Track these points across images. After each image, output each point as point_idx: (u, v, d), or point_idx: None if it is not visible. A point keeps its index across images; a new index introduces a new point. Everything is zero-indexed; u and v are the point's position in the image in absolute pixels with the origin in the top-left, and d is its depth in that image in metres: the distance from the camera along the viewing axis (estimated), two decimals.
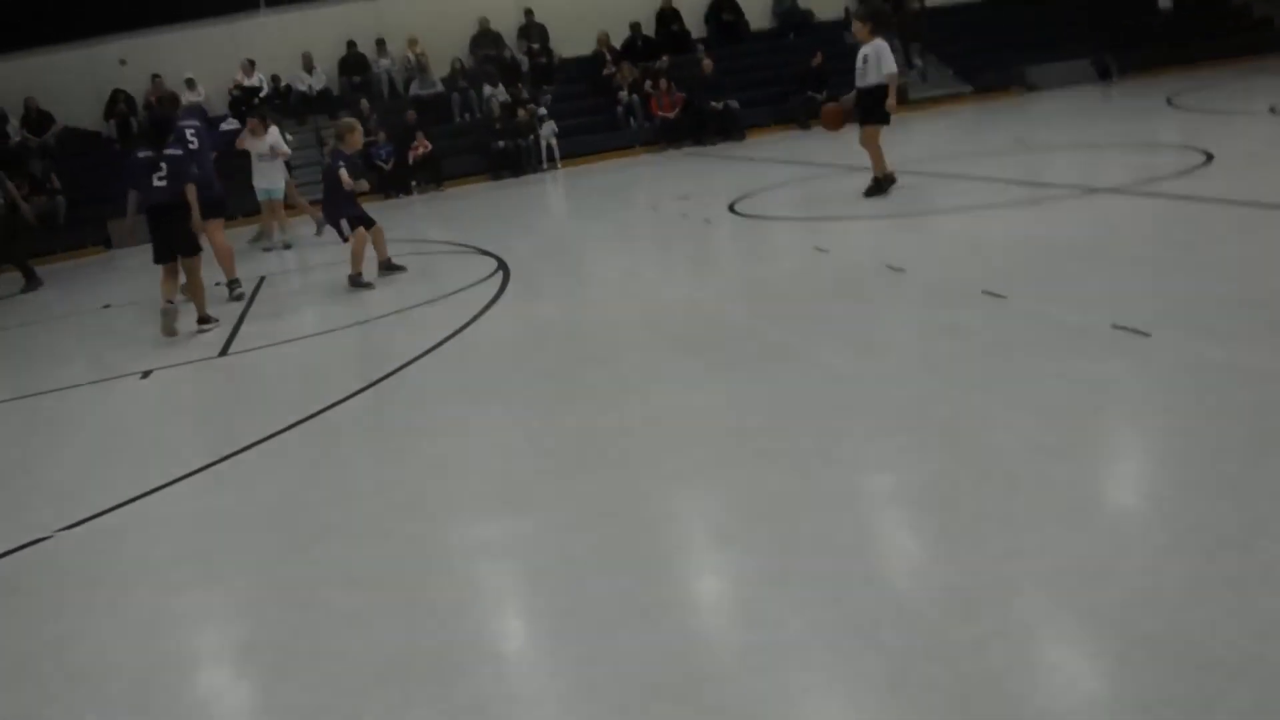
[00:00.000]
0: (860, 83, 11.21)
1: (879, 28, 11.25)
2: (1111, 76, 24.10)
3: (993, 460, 4.17)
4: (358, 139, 11.00)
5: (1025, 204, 10.06)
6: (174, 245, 9.74)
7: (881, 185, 11.22)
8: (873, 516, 4.03)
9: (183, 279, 9.91)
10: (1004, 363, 5.37)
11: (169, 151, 9.76)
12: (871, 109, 11.15)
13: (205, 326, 9.75)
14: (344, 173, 10.56)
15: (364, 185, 10.92)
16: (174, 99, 13.47)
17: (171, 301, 9.55)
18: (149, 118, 16.29)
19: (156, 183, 9.61)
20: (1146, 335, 5.31)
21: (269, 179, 15.56)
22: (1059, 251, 7.80)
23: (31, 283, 15.69)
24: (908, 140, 18.17)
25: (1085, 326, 5.71)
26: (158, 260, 9.81)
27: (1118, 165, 11.89)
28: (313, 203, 15.85)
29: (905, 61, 24.95)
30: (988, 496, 3.85)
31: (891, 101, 11.01)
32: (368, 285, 10.62)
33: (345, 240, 10.79)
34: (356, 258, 10.60)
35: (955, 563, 3.44)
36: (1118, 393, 4.77)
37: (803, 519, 3.91)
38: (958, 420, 4.66)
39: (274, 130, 15.74)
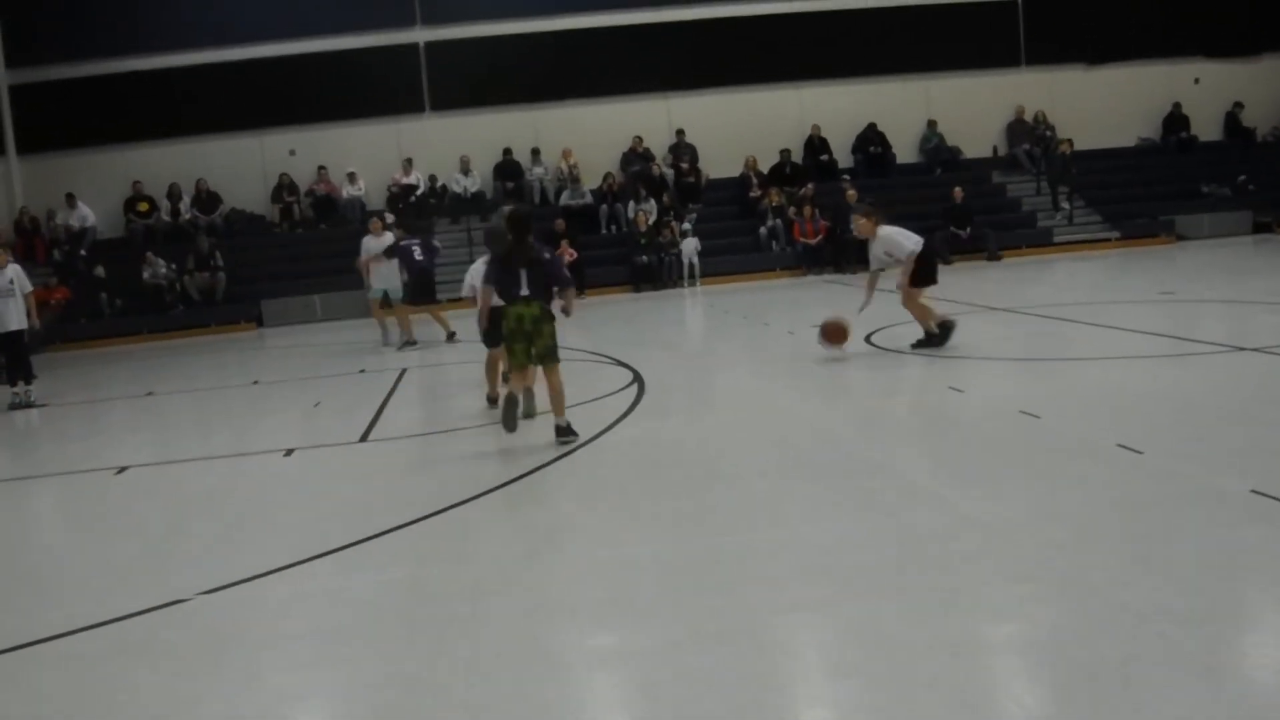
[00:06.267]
0: (904, 274, 10.91)
1: (881, 219, 11.00)
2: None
3: (1115, 618, 4.13)
4: None
5: (1168, 357, 9.93)
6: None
7: (944, 332, 10.90)
8: (991, 663, 4.02)
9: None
10: (1134, 520, 5.31)
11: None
12: (916, 274, 10.84)
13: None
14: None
15: None
16: None
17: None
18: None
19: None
20: None
21: (384, 279, 16.07)
22: (1200, 410, 7.69)
23: None
24: (1051, 283, 18.07)
25: (1223, 489, 5.62)
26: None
27: (1267, 324, 11.65)
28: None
29: (1053, 204, 24.92)
30: (1109, 654, 3.81)
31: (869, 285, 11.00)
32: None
33: None
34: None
35: (1072, 718, 3.43)
36: (1251, 560, 4.68)
37: (920, 660, 3.92)
38: (1082, 574, 4.63)
39: (389, 235, 16.33)
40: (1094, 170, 25.46)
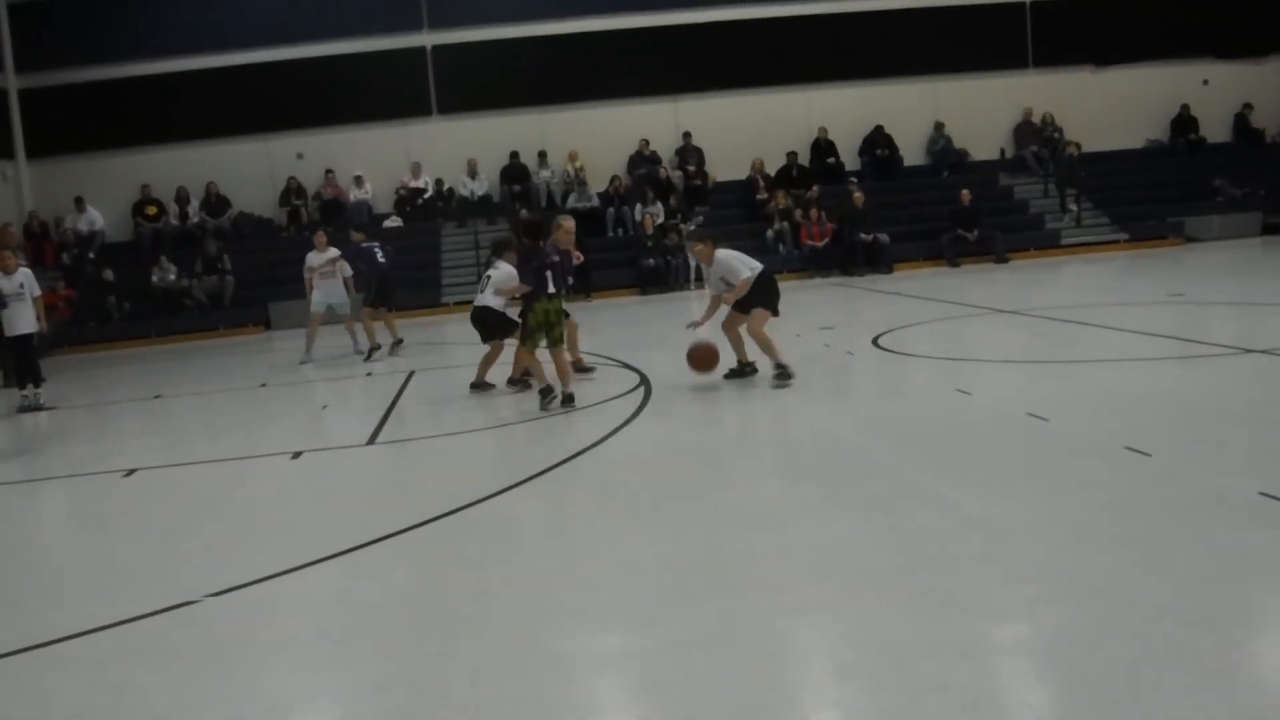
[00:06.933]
0: (734, 297, 10.28)
1: (717, 243, 10.44)
2: None
3: (1120, 619, 4.12)
4: (562, 235, 10.91)
5: (1176, 359, 9.90)
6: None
7: (740, 370, 10.55)
8: (996, 665, 4.01)
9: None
10: (1141, 522, 5.29)
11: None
12: (753, 300, 10.24)
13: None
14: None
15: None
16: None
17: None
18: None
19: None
20: None
21: (328, 293, 15.98)
22: (1208, 412, 7.66)
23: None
24: (1059, 285, 18.04)
25: (1230, 492, 5.60)
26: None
27: (1276, 326, 11.61)
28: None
29: (1060, 206, 24.87)
30: (1116, 656, 3.81)
31: (731, 296, 10.18)
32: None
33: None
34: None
35: None
36: (1259, 562, 4.66)
37: (925, 662, 3.92)
38: (1088, 575, 4.61)
39: (333, 250, 16.20)
40: (1102, 172, 25.41)
